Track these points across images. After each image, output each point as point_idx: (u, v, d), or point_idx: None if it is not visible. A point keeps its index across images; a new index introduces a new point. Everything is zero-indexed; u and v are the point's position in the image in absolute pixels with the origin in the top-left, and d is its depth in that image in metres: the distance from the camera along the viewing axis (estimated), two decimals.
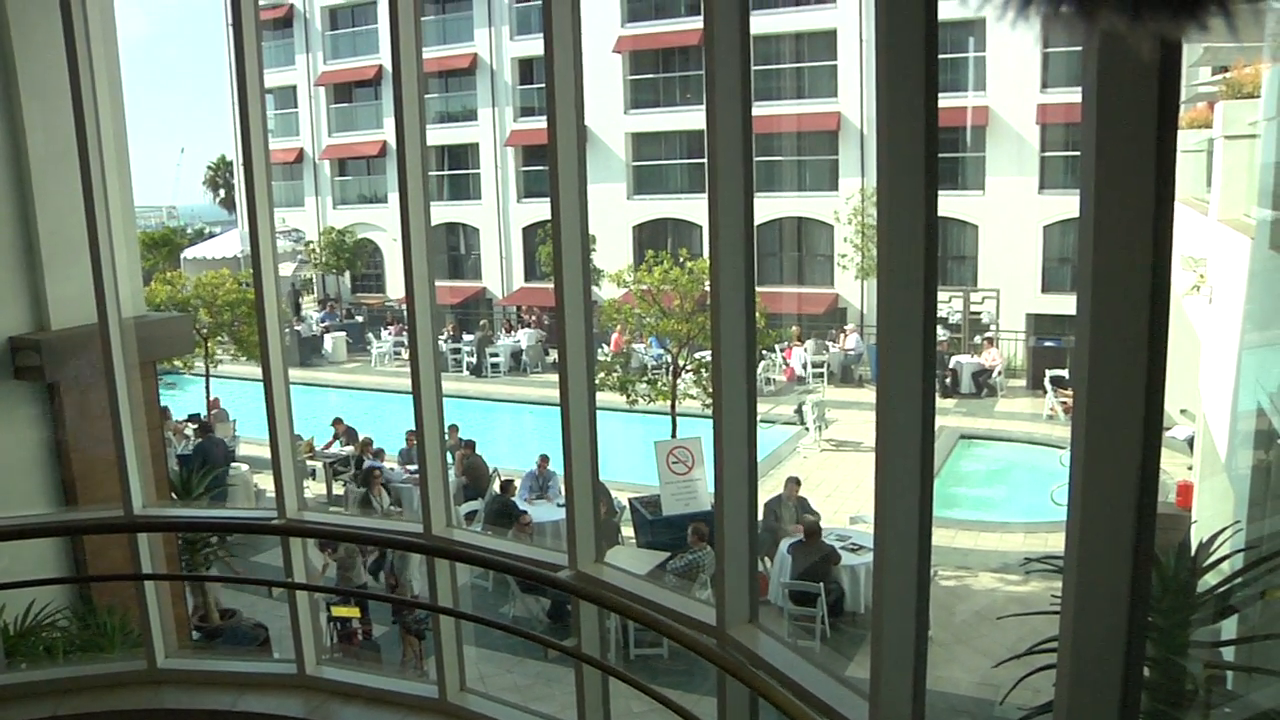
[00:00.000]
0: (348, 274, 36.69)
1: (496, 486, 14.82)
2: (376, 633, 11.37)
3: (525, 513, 13.32)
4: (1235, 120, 10.04)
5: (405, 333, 28.21)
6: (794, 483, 13.56)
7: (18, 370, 7.28)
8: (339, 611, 10.41)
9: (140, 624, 5.52)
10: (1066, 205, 24.30)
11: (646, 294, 17.60)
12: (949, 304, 24.60)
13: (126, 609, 7.00)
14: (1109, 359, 2.18)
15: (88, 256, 5.29)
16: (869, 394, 22.48)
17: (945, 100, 2.72)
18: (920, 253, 2.77)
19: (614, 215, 29.91)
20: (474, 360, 27.34)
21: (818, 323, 27.27)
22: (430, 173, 5.08)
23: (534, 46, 31.55)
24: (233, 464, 15.99)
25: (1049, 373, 20.70)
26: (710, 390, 4.22)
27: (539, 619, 11.76)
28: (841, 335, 25.46)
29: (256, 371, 5.85)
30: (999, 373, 22.68)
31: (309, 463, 16.66)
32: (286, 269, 32.40)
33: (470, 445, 16.04)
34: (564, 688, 8.79)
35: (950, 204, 25.50)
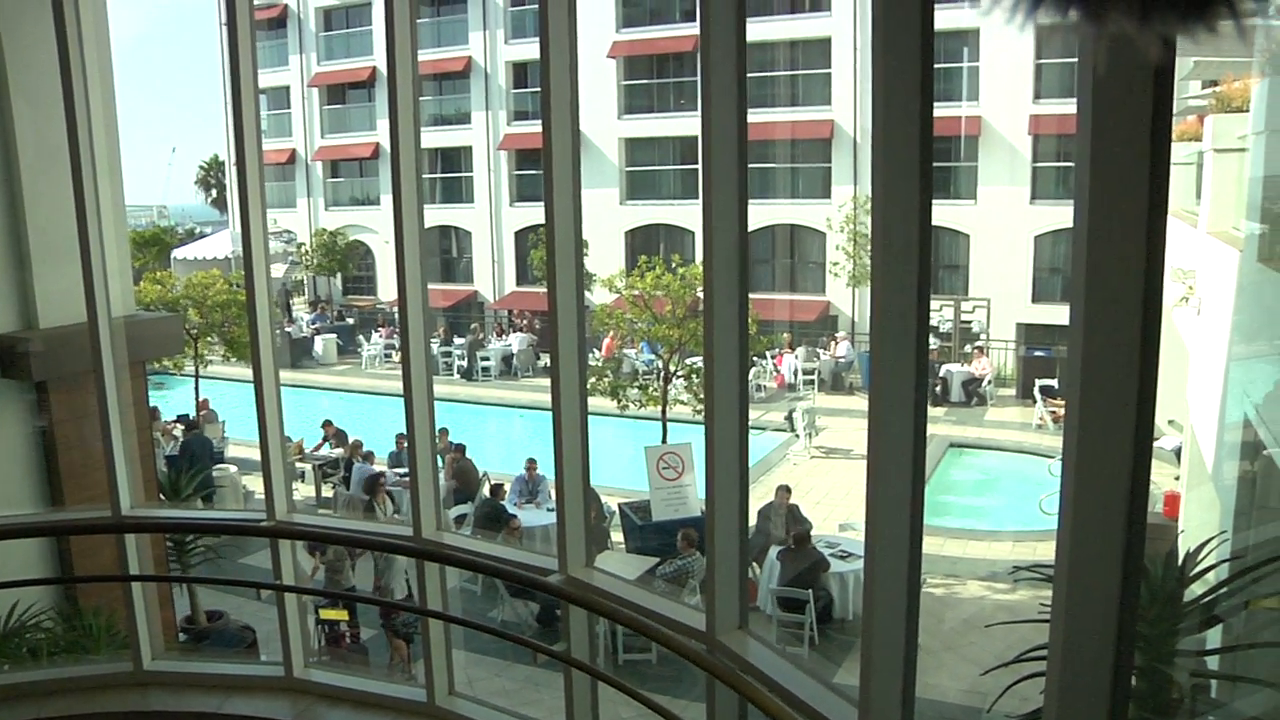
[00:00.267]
0: (339, 276, 36.61)
1: (486, 490, 14.79)
2: (364, 636, 11.33)
3: (515, 517, 13.30)
4: (1224, 134, 10.10)
5: (396, 335, 28.12)
6: (785, 491, 13.56)
7: (6, 369, 7.24)
8: (327, 614, 10.38)
9: (127, 625, 5.49)
10: (1058, 215, 24.42)
11: (638, 299, 17.60)
12: (940, 312, 24.69)
13: (113, 610, 6.96)
14: (1101, 368, 2.19)
15: (77, 255, 5.27)
16: (859, 401, 22.57)
17: (938, 109, 2.73)
18: (914, 260, 2.78)
19: (606, 220, 29.92)
20: (465, 364, 27.31)
21: (809, 330, 27.31)
22: (423, 175, 5.08)
23: (528, 50, 31.58)
24: (220, 465, 15.91)
25: (1039, 382, 20.78)
26: (701, 396, 4.22)
27: (527, 623, 11.73)
28: (833, 343, 25.51)
29: (246, 373, 5.83)
30: (989, 381, 22.76)
31: (298, 465, 16.60)
32: (278, 270, 32.30)
33: (460, 449, 16.00)
34: (552, 692, 8.77)
35: (942, 213, 25.57)
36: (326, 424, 18.28)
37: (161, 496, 10.47)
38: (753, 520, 12.10)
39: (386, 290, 33.92)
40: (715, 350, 3.68)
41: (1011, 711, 6.84)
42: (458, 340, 28.57)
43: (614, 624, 8.80)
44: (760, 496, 13.52)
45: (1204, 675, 5.97)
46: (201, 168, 50.55)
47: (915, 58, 2.67)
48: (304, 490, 16.47)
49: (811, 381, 23.87)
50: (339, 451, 17.23)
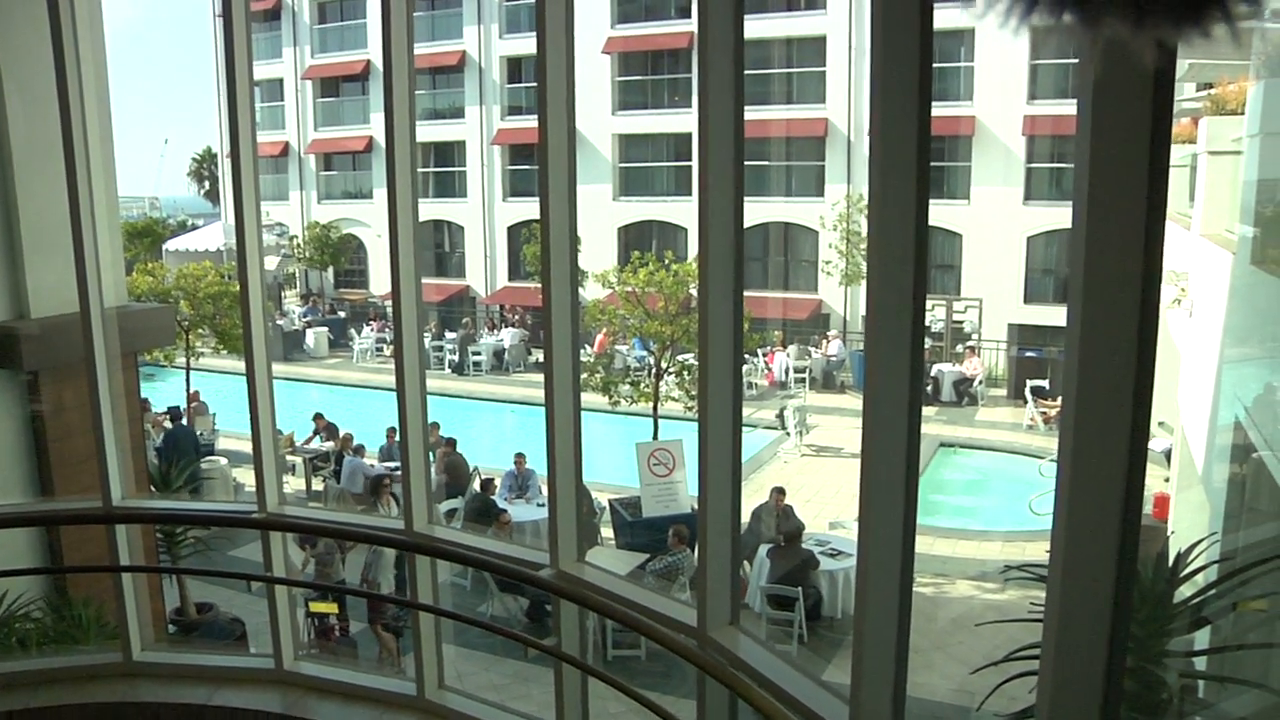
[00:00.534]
0: (331, 269, 36.53)
1: (477, 485, 14.77)
2: (354, 629, 11.31)
3: (505, 511, 13.29)
4: (1219, 136, 10.14)
5: (387, 329, 28.03)
6: (779, 492, 13.56)
7: None
8: (317, 607, 10.36)
9: (117, 616, 5.48)
10: (1051, 216, 24.49)
11: (631, 295, 17.59)
12: (932, 312, 24.71)
13: (102, 601, 6.93)
14: (1098, 368, 2.20)
15: (70, 245, 5.24)
16: (851, 400, 22.61)
17: (933, 109, 2.72)
18: (910, 260, 2.78)
19: (600, 216, 29.90)
20: (456, 358, 27.28)
21: (801, 328, 27.33)
22: (417, 169, 5.06)
23: (522, 45, 31.51)
24: (209, 457, 15.87)
25: (1030, 383, 20.84)
26: (692, 393, 4.22)
27: (517, 619, 11.73)
28: (824, 341, 25.54)
29: (237, 365, 5.81)
30: (980, 381, 22.81)
31: (288, 458, 16.56)
32: (270, 263, 32.20)
33: (451, 443, 15.99)
34: (542, 687, 8.76)
35: (935, 213, 25.29)
36: (318, 417, 18.27)
37: (152, 488, 10.43)
38: (746, 520, 12.13)
39: (378, 284, 33.86)
40: (710, 347, 3.68)
41: (1000, 710, 6.87)
42: (449, 335, 28.53)
43: (603, 620, 8.80)
44: (751, 494, 13.53)
45: (1192, 676, 5.99)
46: (194, 159, 50.39)
47: (914, 57, 2.67)
48: (294, 483, 16.44)
49: (803, 379, 23.90)
50: (330, 445, 17.22)
